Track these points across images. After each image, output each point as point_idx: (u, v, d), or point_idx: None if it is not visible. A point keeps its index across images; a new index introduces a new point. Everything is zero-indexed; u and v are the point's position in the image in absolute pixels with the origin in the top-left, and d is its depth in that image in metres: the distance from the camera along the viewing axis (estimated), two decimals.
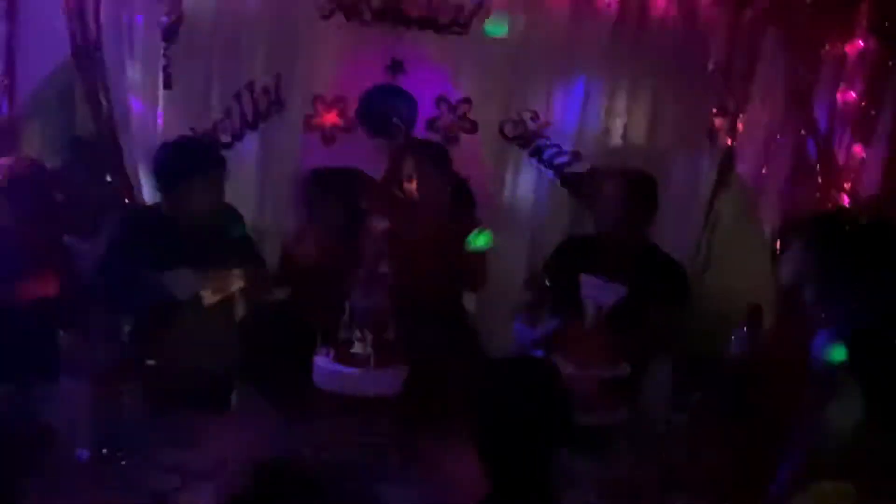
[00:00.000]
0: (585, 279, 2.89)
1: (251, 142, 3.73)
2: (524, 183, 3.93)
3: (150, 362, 2.72)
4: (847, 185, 3.69)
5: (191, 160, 2.87)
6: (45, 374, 2.62)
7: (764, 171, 3.81)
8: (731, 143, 3.56)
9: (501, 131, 3.85)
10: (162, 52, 3.50)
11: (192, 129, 3.61)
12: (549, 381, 1.81)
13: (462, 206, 3.40)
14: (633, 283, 2.79)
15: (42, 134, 3.75)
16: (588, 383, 2.62)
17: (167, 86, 3.56)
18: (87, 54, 3.43)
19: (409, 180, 3.27)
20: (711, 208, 3.82)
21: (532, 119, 3.84)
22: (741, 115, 3.46)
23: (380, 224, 3.65)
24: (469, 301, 3.55)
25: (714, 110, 3.40)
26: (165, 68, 3.52)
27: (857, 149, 3.70)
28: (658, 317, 2.93)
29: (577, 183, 3.87)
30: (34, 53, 3.48)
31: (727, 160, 3.62)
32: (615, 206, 3.16)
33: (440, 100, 3.79)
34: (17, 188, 2.86)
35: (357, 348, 2.60)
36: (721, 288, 3.68)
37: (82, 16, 3.34)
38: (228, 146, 3.69)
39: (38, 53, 3.49)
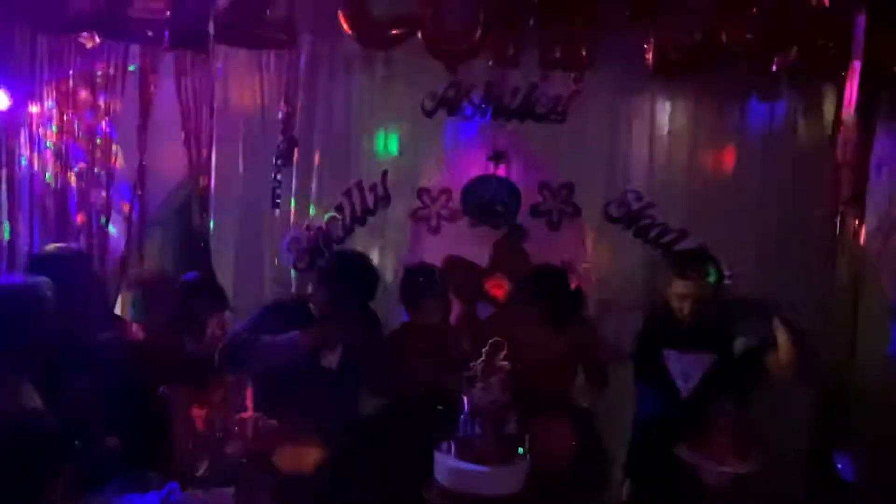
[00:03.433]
0: (668, 354, 2.85)
1: (361, 236, 3.86)
2: (631, 262, 3.89)
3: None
4: None
5: (360, 272, 3.13)
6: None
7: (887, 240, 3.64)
8: (854, 216, 3.43)
9: (605, 213, 3.85)
10: (273, 174, 3.70)
11: (307, 226, 3.78)
12: None
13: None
14: (722, 347, 2.75)
15: (163, 239, 4.03)
16: (718, 478, 2.52)
17: (274, 206, 3.77)
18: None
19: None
20: (834, 278, 3.67)
21: (636, 199, 3.83)
22: (863, 190, 3.33)
23: (486, 312, 3.72)
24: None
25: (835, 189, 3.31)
26: (274, 190, 3.72)
27: None
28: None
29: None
30: (160, 173, 3.76)
31: (849, 233, 3.48)
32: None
33: (543, 186, 3.84)
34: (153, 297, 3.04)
35: (477, 444, 2.59)
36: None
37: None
38: (340, 241, 3.84)
39: (162, 173, 3.78)
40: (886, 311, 3.63)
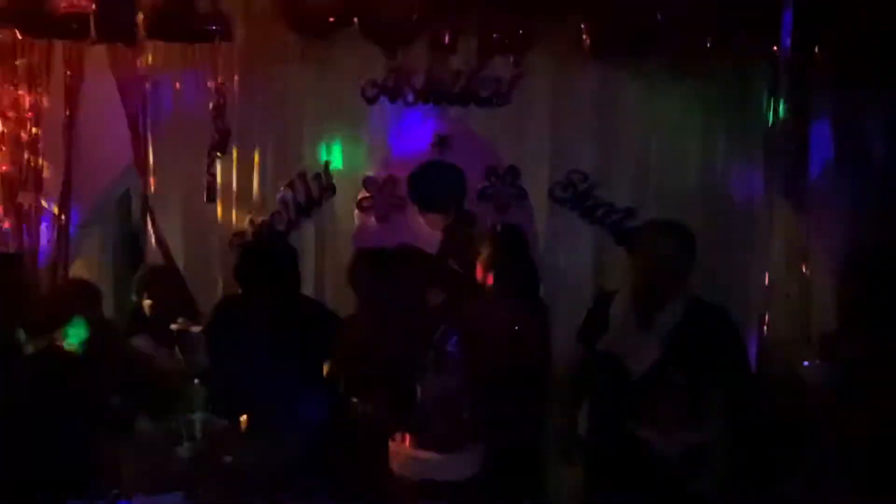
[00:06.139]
0: (620, 339, 2.79)
1: (307, 228, 3.80)
2: (578, 244, 3.92)
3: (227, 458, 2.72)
4: None
5: (264, 257, 2.98)
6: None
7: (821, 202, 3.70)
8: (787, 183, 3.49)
9: (551, 195, 3.86)
10: (207, 167, 3.61)
11: (250, 221, 3.70)
12: None
13: (528, 291, 3.35)
14: (672, 340, 2.66)
15: (102, 237, 3.89)
16: (670, 449, 2.56)
17: (210, 199, 3.66)
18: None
19: (488, 267, 3.21)
20: (769, 248, 3.72)
21: (581, 180, 3.84)
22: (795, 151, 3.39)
23: (437, 298, 3.70)
24: None
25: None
26: (210, 184, 3.63)
27: None
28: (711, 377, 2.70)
29: (631, 239, 3.85)
30: (94, 162, 3.63)
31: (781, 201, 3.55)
32: (649, 259, 2.96)
33: (489, 170, 3.83)
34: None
35: (432, 432, 2.57)
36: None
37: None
38: (285, 235, 3.77)
39: (98, 162, 3.64)
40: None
